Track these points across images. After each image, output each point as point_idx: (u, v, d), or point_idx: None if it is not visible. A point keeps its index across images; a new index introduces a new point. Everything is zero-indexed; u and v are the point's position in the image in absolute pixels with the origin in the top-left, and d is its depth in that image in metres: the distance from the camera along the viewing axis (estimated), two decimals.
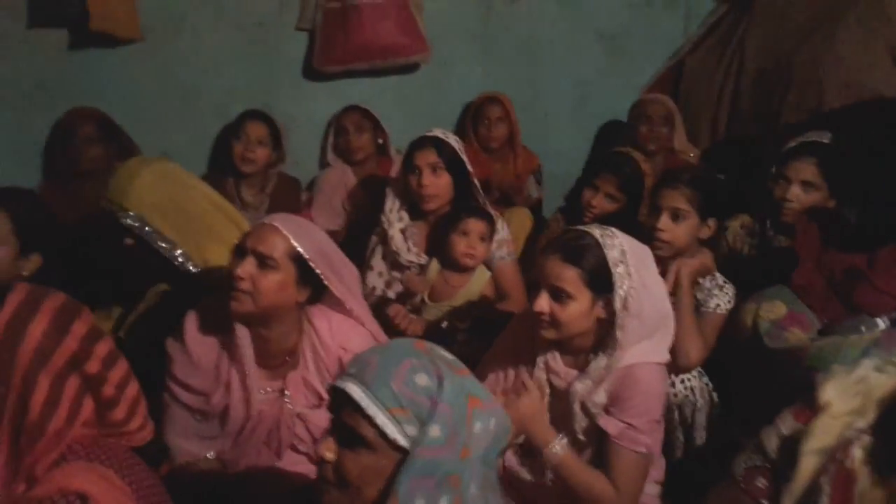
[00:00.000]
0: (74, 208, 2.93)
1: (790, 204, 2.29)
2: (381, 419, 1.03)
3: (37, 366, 1.18)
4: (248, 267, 1.69)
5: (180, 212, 2.08)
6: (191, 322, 1.82)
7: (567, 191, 3.50)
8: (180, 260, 2.07)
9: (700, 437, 2.06)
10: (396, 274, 2.58)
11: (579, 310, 1.64)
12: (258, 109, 3.08)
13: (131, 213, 2.02)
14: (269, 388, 1.82)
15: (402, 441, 1.04)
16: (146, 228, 2.03)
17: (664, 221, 2.06)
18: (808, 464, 1.28)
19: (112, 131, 3.02)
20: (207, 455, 1.84)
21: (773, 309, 1.89)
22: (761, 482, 1.40)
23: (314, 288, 1.79)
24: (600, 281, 1.64)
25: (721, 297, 2.07)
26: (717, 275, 2.13)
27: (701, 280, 2.09)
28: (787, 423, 1.39)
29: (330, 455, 1.07)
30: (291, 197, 3.20)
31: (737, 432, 1.90)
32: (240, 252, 1.73)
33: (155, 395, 1.80)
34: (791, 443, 1.35)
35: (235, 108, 3.13)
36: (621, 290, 1.63)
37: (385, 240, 2.55)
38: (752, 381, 1.92)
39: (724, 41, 3.35)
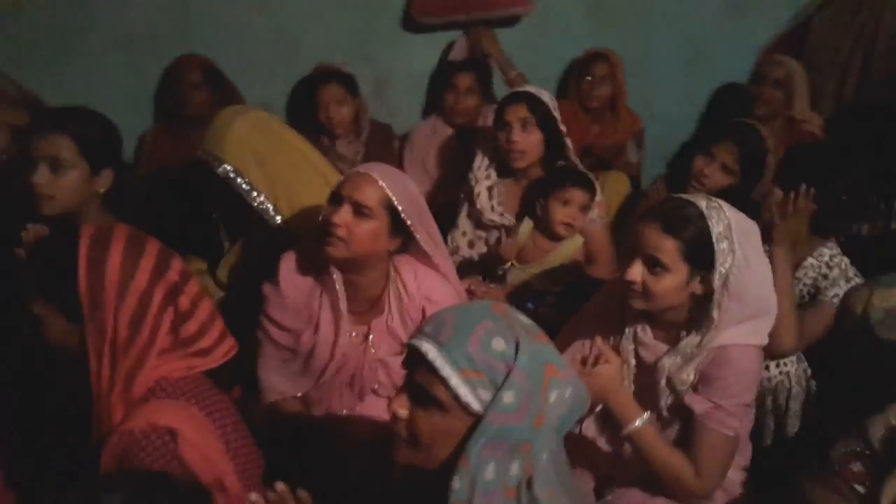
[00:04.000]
0: (181, 152, 3.06)
1: None
2: (455, 381, 1.01)
3: (125, 283, 1.23)
4: (343, 214, 1.72)
5: (271, 164, 2.12)
6: (286, 264, 1.88)
7: (670, 157, 3.35)
8: (270, 212, 2.11)
9: (793, 425, 1.96)
10: (481, 233, 2.55)
11: (674, 283, 1.56)
12: (328, 69, 3.04)
13: (225, 163, 2.07)
14: (354, 333, 1.87)
15: (475, 405, 1.02)
16: (238, 179, 2.09)
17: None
18: None
19: (217, 78, 3.10)
20: (296, 395, 1.90)
21: (889, 297, 1.72)
22: (857, 467, 1.35)
23: (404, 238, 1.82)
24: (700, 255, 1.54)
25: (843, 290, 1.92)
26: (847, 264, 1.98)
27: (827, 270, 1.94)
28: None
29: (403, 412, 1.07)
30: (386, 145, 3.19)
31: (832, 424, 1.78)
32: (336, 199, 1.76)
33: (249, 335, 1.87)
34: None
35: (335, 59, 3.13)
36: (723, 267, 1.54)
37: (471, 197, 2.52)
38: (853, 372, 1.77)
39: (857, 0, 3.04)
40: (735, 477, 1.75)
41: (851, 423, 1.56)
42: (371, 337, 1.87)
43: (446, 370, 1.01)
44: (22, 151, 1.91)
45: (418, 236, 1.82)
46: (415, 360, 1.06)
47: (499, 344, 1.03)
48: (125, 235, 1.28)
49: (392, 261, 1.88)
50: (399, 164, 3.16)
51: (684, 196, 1.61)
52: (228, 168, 2.08)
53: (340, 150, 3.10)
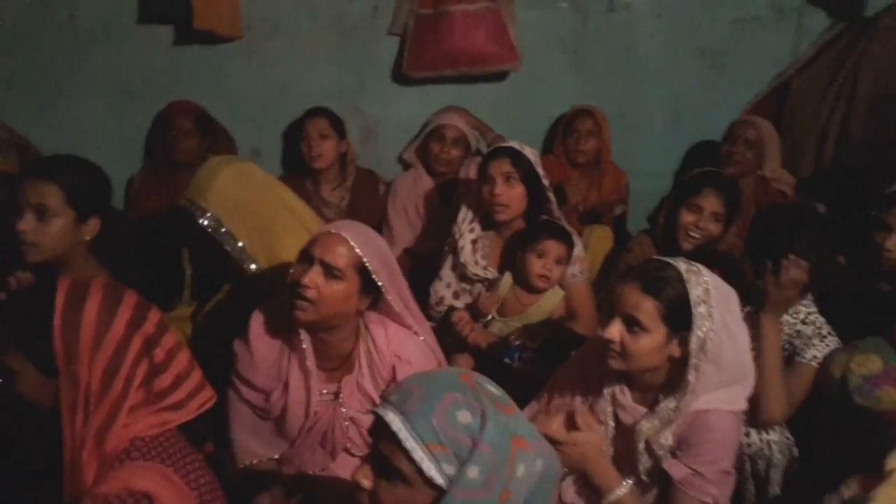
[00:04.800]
0: (169, 197, 3.07)
1: (890, 254, 2.10)
2: (419, 454, 1.00)
3: (100, 335, 1.22)
4: (314, 276, 1.70)
5: (254, 215, 2.13)
6: (255, 322, 1.86)
7: (651, 212, 3.38)
8: (248, 263, 2.11)
9: (773, 492, 1.92)
10: (465, 286, 2.56)
11: (652, 344, 1.57)
12: (317, 106, 3.09)
13: (208, 213, 2.08)
14: (325, 391, 1.85)
15: (439, 479, 1.01)
16: (221, 229, 2.09)
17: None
18: None
19: (208, 125, 3.14)
20: (271, 457, 1.88)
21: (866, 363, 1.74)
22: None
23: (374, 296, 1.81)
24: (679, 317, 1.55)
25: (820, 350, 1.92)
26: (823, 323, 1.98)
27: (802, 326, 1.94)
28: (850, 489, 1.28)
29: (366, 483, 1.05)
30: (371, 191, 3.21)
31: (813, 490, 1.76)
32: (306, 259, 1.74)
33: (221, 390, 1.85)
34: None
35: (321, 106, 3.15)
36: (700, 330, 1.54)
37: (455, 250, 2.53)
38: (833, 440, 1.76)
39: (837, 62, 3.12)
40: None
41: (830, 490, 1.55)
42: (342, 395, 1.84)
43: (410, 443, 1.00)
44: (9, 198, 1.91)
45: (389, 297, 1.80)
46: (380, 429, 1.04)
47: (465, 416, 1.01)
48: (102, 286, 1.28)
49: (363, 318, 1.86)
50: (384, 212, 3.19)
51: (665, 258, 1.63)
52: (209, 217, 2.08)
53: (325, 195, 3.13)
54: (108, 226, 1.94)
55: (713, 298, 1.56)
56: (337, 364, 1.86)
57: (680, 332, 1.57)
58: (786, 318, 2.03)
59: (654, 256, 1.71)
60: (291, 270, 1.76)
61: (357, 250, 1.73)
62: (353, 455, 1.89)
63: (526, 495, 1.04)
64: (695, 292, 1.55)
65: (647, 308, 1.56)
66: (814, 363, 1.93)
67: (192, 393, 1.35)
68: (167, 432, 1.31)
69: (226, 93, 3.21)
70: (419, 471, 1.01)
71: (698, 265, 1.61)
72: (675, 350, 1.59)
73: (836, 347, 1.86)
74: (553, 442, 1.56)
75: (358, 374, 1.85)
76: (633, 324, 1.57)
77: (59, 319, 1.21)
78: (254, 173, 2.23)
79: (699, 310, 1.54)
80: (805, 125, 3.15)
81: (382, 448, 1.03)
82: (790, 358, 1.98)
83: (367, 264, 1.73)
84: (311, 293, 1.69)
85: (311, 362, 1.80)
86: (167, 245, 2.30)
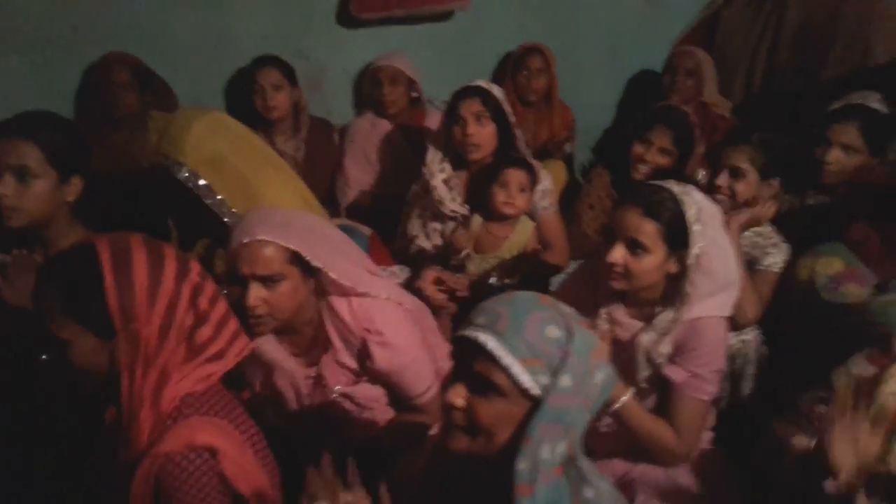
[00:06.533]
0: (107, 157, 2.91)
1: (830, 167, 2.31)
2: (517, 369, 1.07)
3: (153, 290, 1.22)
4: (255, 293, 1.62)
5: (232, 166, 2.07)
6: None
7: (594, 143, 3.52)
8: (228, 217, 2.08)
9: (747, 387, 2.13)
10: (437, 225, 2.60)
11: (654, 263, 1.68)
12: (266, 55, 3.02)
13: (186, 167, 2.02)
14: (308, 375, 1.85)
15: (535, 390, 1.08)
16: (199, 182, 2.03)
17: (723, 178, 2.09)
18: (888, 402, 1.30)
19: (147, 78, 2.97)
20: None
21: (829, 264, 1.94)
22: (823, 409, 1.46)
23: (317, 275, 1.73)
24: (677, 236, 1.66)
25: (776, 255, 2.12)
26: (774, 233, 2.17)
27: (757, 238, 2.13)
28: (859, 366, 1.44)
29: (461, 402, 1.11)
30: (326, 140, 3.17)
31: (783, 383, 1.97)
32: (237, 280, 1.65)
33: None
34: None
35: (269, 54, 3.06)
36: (696, 247, 1.66)
37: (427, 190, 2.56)
38: (804, 335, 1.98)
39: None
40: (706, 437, 1.90)
41: (808, 379, 1.75)
42: (325, 376, 1.83)
43: (508, 359, 1.07)
44: None
45: (333, 275, 1.70)
46: (470, 350, 1.10)
47: (553, 331, 1.09)
48: (142, 242, 1.25)
49: (324, 298, 1.79)
50: (340, 158, 3.16)
51: (659, 182, 1.73)
52: (189, 171, 2.03)
53: (280, 146, 3.05)
54: (91, 186, 1.85)
55: (704, 216, 1.69)
56: (310, 347, 1.83)
57: (678, 250, 1.68)
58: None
59: (644, 181, 1.81)
60: (225, 292, 1.57)
61: (283, 244, 1.63)
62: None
63: (597, 398, 1.14)
64: (690, 212, 1.66)
65: (648, 230, 1.66)
66: (773, 269, 2.12)
67: (230, 340, 1.35)
68: (213, 386, 1.32)
69: (162, 43, 3.02)
70: (516, 384, 1.08)
71: (689, 185, 1.73)
72: (672, 266, 1.70)
73: (803, 254, 2.06)
74: None
75: (333, 352, 1.82)
76: (635, 246, 1.67)
77: (110, 281, 1.18)
78: (228, 123, 2.17)
79: (695, 228, 1.66)
80: (734, 54, 3.34)
81: (477, 367, 1.09)
82: (750, 266, 2.18)
83: (298, 252, 1.65)
84: (260, 310, 1.64)
85: (287, 363, 1.81)
86: (145, 203, 2.21)
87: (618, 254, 1.68)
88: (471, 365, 1.10)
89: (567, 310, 1.15)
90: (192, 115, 2.12)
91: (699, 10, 3.49)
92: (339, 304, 1.79)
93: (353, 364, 1.83)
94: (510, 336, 1.07)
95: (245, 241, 1.62)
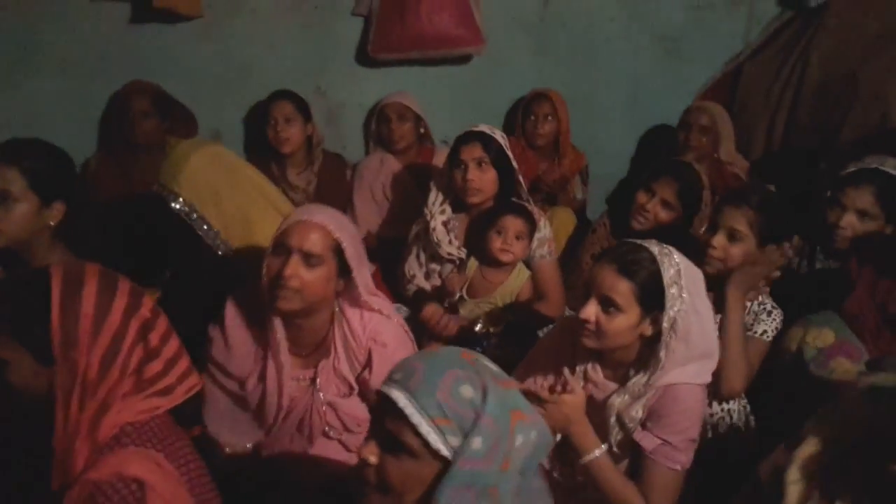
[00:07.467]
0: (126, 181, 3.01)
1: (843, 231, 2.22)
2: (425, 428, 1.05)
3: (99, 321, 1.23)
4: (294, 266, 1.71)
5: (226, 198, 2.12)
6: (230, 308, 1.87)
7: (609, 193, 3.48)
8: (221, 248, 2.11)
9: (731, 457, 2.04)
10: (435, 266, 2.60)
11: (626, 323, 1.64)
12: (282, 89, 3.07)
13: (181, 199, 2.06)
14: (300, 377, 1.87)
15: (445, 451, 1.06)
16: (194, 215, 2.08)
17: (719, 240, 2.02)
18: (793, 492, 1.24)
19: (167, 106, 3.07)
20: (246, 446, 1.89)
21: (820, 335, 1.85)
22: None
23: (347, 280, 1.83)
24: (652, 298, 1.62)
25: (768, 324, 2.03)
26: (767, 299, 2.08)
27: (749, 303, 2.05)
28: (779, 455, 1.37)
29: (373, 459, 1.09)
30: (339, 175, 3.21)
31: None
32: (282, 250, 1.74)
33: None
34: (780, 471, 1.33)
35: (285, 88, 3.13)
36: (672, 310, 1.62)
37: (426, 231, 2.57)
38: (790, 407, 1.88)
39: (786, 49, 3.25)
40: None
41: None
42: (318, 380, 1.86)
43: (416, 418, 1.05)
44: None
45: (358, 280, 1.82)
46: (385, 407, 1.08)
47: (467, 391, 1.06)
48: (97, 272, 1.27)
49: (338, 303, 1.88)
50: (350, 195, 3.19)
51: (638, 241, 1.69)
52: (183, 202, 2.07)
53: (292, 179, 3.11)
54: (74, 210, 1.91)
55: (684, 279, 1.64)
56: (312, 349, 1.88)
57: (652, 312, 1.64)
58: None
59: (624, 240, 1.77)
60: (266, 262, 1.75)
61: (333, 234, 1.75)
62: (330, 438, 1.91)
63: (522, 463, 1.10)
64: (667, 274, 1.62)
65: (622, 289, 1.62)
66: (764, 338, 2.03)
67: (180, 378, 1.36)
68: (157, 417, 1.32)
69: (185, 73, 3.14)
70: (426, 444, 1.05)
71: (670, 247, 1.68)
72: (647, 329, 1.66)
73: (794, 323, 1.97)
74: (539, 401, 1.61)
75: (334, 358, 1.87)
76: (608, 304, 1.63)
77: (56, 307, 1.20)
78: (225, 156, 2.22)
79: (671, 290, 1.61)
80: (755, 109, 3.27)
81: (388, 424, 1.07)
82: None
83: (343, 246, 1.76)
84: (294, 283, 1.71)
85: (284, 356, 1.81)
86: (136, 229, 2.26)
87: (590, 311, 1.65)
88: (383, 421, 1.08)
89: (491, 369, 1.12)
90: (189, 147, 2.19)
91: (722, 62, 3.44)
92: (352, 313, 1.87)
93: (349, 376, 1.87)
94: (422, 394, 1.05)
95: (303, 218, 1.75)
